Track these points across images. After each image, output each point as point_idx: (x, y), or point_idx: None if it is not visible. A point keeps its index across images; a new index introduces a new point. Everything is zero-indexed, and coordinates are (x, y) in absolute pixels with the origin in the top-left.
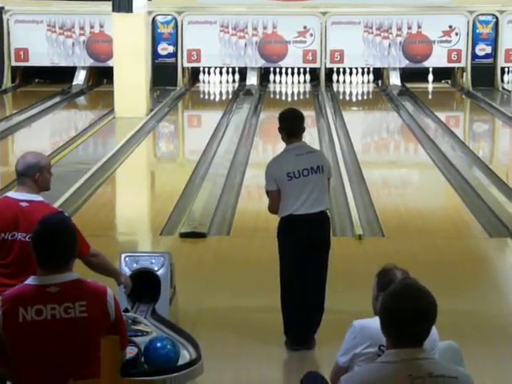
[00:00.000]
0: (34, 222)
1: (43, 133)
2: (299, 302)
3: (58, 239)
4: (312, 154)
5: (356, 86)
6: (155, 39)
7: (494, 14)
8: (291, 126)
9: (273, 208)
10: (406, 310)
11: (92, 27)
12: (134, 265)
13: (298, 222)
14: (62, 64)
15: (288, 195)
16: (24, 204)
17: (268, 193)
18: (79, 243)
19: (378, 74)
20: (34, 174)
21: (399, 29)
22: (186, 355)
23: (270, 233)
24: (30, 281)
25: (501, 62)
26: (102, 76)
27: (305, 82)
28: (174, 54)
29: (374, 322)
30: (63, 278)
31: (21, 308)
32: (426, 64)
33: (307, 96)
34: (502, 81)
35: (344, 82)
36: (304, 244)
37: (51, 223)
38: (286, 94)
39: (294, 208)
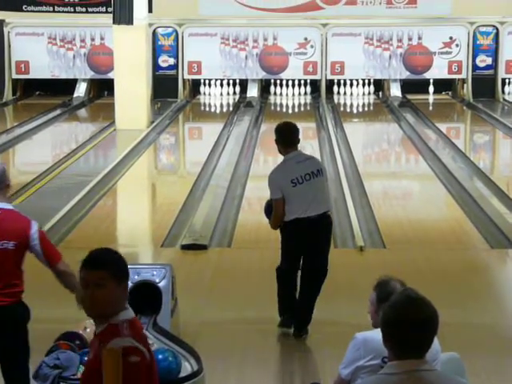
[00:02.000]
0: (5, 229)
1: (44, 145)
2: (298, 294)
3: None
4: (310, 160)
5: (357, 97)
6: (156, 51)
7: (494, 26)
8: (287, 137)
9: (278, 214)
10: (408, 321)
11: (93, 39)
12: (136, 277)
13: (303, 223)
14: (63, 76)
15: (293, 201)
16: None
17: (272, 202)
18: (50, 252)
19: (379, 85)
20: (5, 180)
21: (400, 40)
22: (187, 367)
23: (271, 244)
24: (128, 315)
25: (501, 73)
26: (102, 88)
27: (305, 93)
28: (175, 66)
29: (377, 335)
30: None
31: (144, 347)
32: (427, 75)
33: (308, 108)
34: (503, 92)
35: (345, 93)
36: (308, 244)
37: None
38: (287, 105)
39: (299, 212)
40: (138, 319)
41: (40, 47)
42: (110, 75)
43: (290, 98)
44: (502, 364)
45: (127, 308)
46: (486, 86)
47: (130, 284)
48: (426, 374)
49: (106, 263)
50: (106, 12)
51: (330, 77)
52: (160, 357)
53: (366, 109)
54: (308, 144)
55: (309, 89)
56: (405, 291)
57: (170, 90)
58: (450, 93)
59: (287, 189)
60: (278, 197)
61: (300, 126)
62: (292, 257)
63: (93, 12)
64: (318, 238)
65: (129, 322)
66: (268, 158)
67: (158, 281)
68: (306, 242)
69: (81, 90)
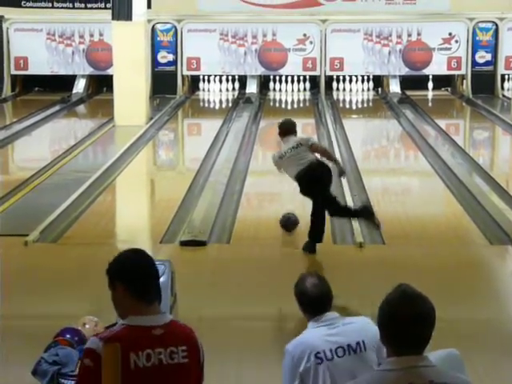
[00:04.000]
0: None
1: (43, 141)
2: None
3: (156, 271)
4: (293, 140)
5: (356, 93)
6: (155, 47)
7: (493, 21)
8: (287, 129)
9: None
10: (404, 317)
11: (92, 35)
12: None
13: (312, 170)
14: (62, 72)
15: (287, 167)
16: None
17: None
18: None
19: (378, 81)
20: None
21: (399, 36)
22: None
23: (270, 241)
24: (133, 321)
25: (501, 70)
26: (101, 84)
27: (305, 89)
28: (174, 62)
29: (304, 336)
30: (164, 319)
31: (132, 353)
32: (426, 71)
33: (307, 104)
34: (502, 88)
35: (344, 89)
36: (321, 183)
37: (143, 256)
38: (286, 101)
39: (297, 170)
40: (153, 329)
41: (39, 43)
42: (109, 71)
43: (289, 94)
44: (500, 359)
45: (144, 314)
46: (485, 82)
47: None
48: (425, 370)
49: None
50: (105, 8)
51: (329, 73)
52: None
53: (365, 105)
54: None
55: (308, 85)
56: (400, 287)
57: (169, 86)
58: (449, 89)
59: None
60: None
61: (299, 122)
62: (317, 193)
63: (92, 8)
64: (326, 179)
65: (125, 327)
66: (267, 154)
67: None
68: (320, 181)
69: (80, 86)
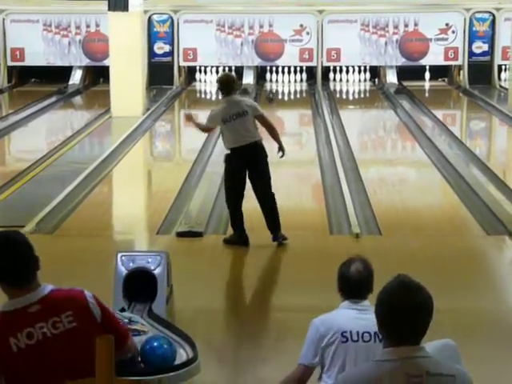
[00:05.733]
0: None
1: (39, 132)
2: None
3: (19, 252)
4: (239, 104)
5: (353, 84)
6: (151, 38)
7: (490, 12)
8: (227, 87)
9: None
10: (401, 307)
11: (88, 26)
12: (131, 264)
13: (240, 151)
14: (58, 63)
15: (227, 134)
16: None
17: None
18: None
19: (375, 72)
20: None
21: (396, 27)
22: (182, 354)
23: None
24: (7, 307)
25: (498, 60)
26: (98, 75)
27: (301, 80)
28: (170, 53)
29: (333, 314)
30: (41, 294)
31: (11, 338)
32: (423, 62)
33: (304, 95)
34: (499, 78)
35: (341, 80)
36: (246, 166)
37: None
38: (283, 92)
39: (235, 143)
40: (25, 311)
41: (35, 34)
42: (106, 62)
43: (285, 85)
44: (497, 350)
45: (18, 296)
46: (482, 72)
47: (125, 271)
48: (422, 360)
49: None
50: None
51: (325, 63)
52: (155, 344)
53: (361, 95)
54: (304, 131)
55: (305, 76)
56: (398, 277)
57: (166, 77)
58: (446, 79)
59: (220, 125)
60: (209, 125)
61: (296, 112)
62: (234, 176)
63: None
64: (253, 161)
65: (0, 314)
66: (264, 145)
67: (153, 268)
68: (244, 164)
69: (76, 77)
